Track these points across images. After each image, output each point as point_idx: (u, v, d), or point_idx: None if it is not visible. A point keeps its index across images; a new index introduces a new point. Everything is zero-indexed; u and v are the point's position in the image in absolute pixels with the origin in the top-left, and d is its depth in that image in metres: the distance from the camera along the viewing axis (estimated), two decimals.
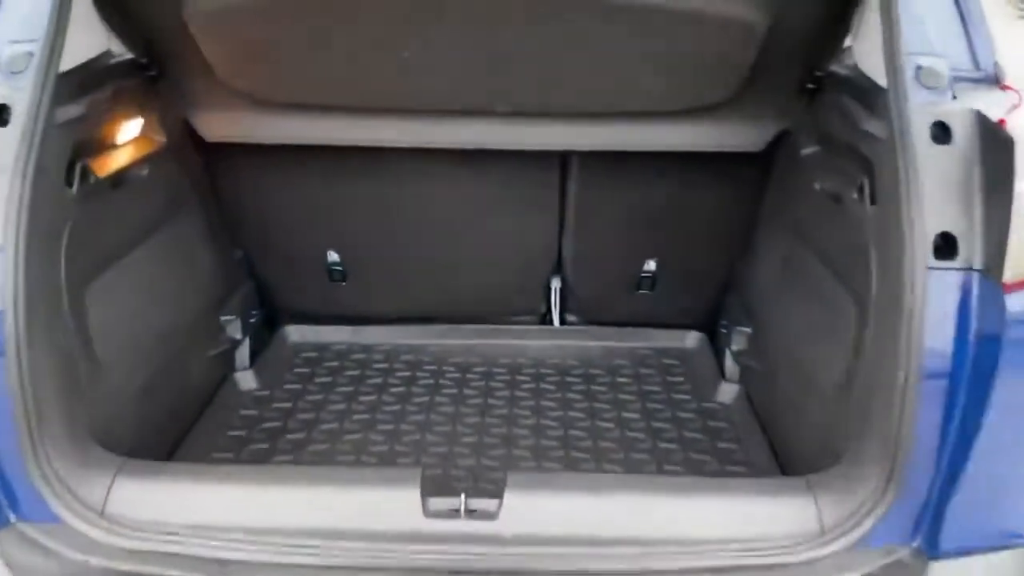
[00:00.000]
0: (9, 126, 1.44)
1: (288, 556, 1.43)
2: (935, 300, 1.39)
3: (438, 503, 1.51)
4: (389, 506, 1.48)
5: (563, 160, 2.33)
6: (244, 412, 2.26)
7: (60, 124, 1.52)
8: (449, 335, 2.67)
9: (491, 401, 2.37)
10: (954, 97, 1.49)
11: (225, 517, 1.49)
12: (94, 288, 1.68)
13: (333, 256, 2.57)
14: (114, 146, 1.78)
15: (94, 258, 1.67)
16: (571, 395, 2.41)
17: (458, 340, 2.66)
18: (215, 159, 2.29)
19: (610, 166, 2.28)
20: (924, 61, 1.50)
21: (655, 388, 2.45)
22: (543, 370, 2.54)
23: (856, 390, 1.60)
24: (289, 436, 2.13)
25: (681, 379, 2.50)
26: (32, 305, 1.43)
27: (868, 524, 1.41)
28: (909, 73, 1.47)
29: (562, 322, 2.75)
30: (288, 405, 2.31)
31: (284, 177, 2.35)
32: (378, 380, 2.47)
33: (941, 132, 1.43)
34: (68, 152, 1.56)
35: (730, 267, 2.54)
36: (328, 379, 2.47)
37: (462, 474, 1.94)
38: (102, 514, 1.49)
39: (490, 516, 1.46)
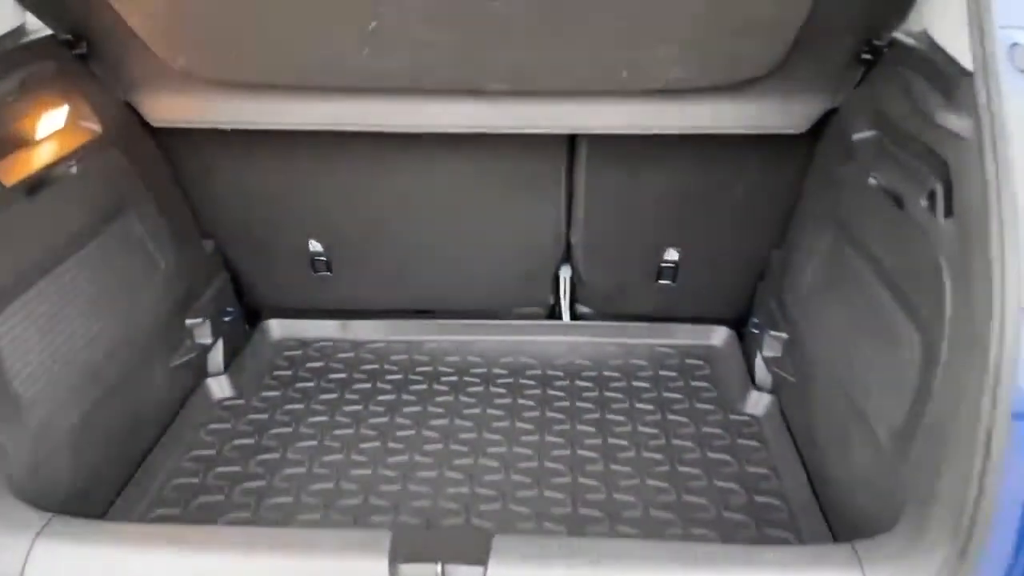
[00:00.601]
0: None
1: None
2: None
3: (410, 572, 1.28)
4: None
5: (571, 140, 2.02)
6: (213, 426, 2.03)
7: None
8: (446, 331, 2.40)
9: (490, 411, 2.12)
10: None
11: None
12: (7, 315, 1.43)
13: (315, 246, 2.30)
14: (28, 144, 1.50)
15: (3, 282, 1.41)
16: (581, 404, 2.14)
17: (456, 336, 2.39)
18: (173, 143, 2.01)
19: (623, 145, 1.96)
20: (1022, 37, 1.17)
21: (677, 395, 2.17)
22: (550, 372, 2.28)
23: (920, 440, 1.31)
24: (256, 467, 1.89)
25: (706, 384, 2.22)
26: None
27: None
28: (1002, 52, 1.13)
29: (573, 316, 2.47)
30: (263, 417, 2.08)
31: (255, 161, 2.07)
32: (366, 385, 2.22)
33: None
34: None
35: (763, 257, 2.23)
36: (311, 383, 2.23)
37: (443, 533, 1.69)
38: None
39: None
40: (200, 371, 2.16)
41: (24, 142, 1.51)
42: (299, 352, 2.37)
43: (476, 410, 2.12)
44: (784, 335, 2.03)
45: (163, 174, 1.98)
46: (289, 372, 2.28)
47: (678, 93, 1.73)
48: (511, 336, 2.39)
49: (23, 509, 1.36)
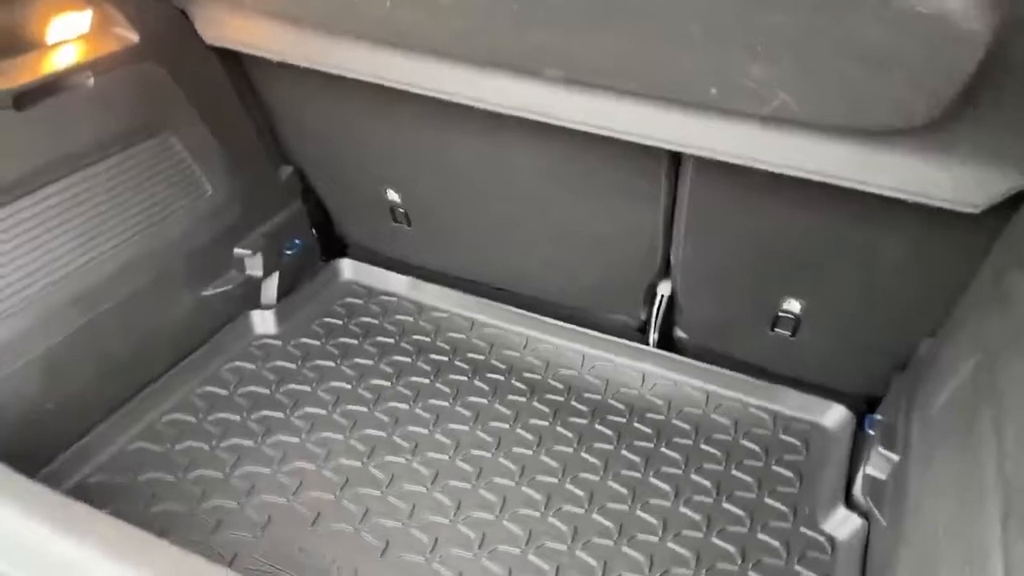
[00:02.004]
0: None
1: None
2: None
3: None
4: None
5: (674, 154, 1.59)
6: (238, 363, 1.94)
7: None
8: (513, 320, 2.12)
9: (519, 431, 1.84)
10: None
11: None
12: None
13: (393, 195, 2.08)
14: (21, 50, 1.38)
15: None
16: (626, 453, 1.80)
17: (521, 329, 2.10)
18: (252, 65, 1.84)
19: (737, 175, 1.50)
20: None
21: (747, 477, 1.75)
22: (611, 401, 1.93)
23: None
24: (253, 423, 1.78)
25: (791, 474, 1.76)
26: None
27: None
28: None
29: (667, 340, 2.07)
30: (291, 366, 1.95)
31: (338, 98, 1.85)
32: (406, 359, 2.01)
33: None
34: None
35: (911, 342, 1.69)
36: (354, 340, 2.06)
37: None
38: None
39: None
40: (249, 302, 2.06)
41: (24, 48, 1.39)
42: (360, 302, 2.21)
43: (504, 425, 1.85)
44: (895, 457, 1.53)
45: (224, 98, 1.82)
46: (339, 322, 2.13)
47: (799, 126, 1.25)
48: (580, 346, 2.05)
49: None
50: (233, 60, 1.81)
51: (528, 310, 2.13)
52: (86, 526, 1.21)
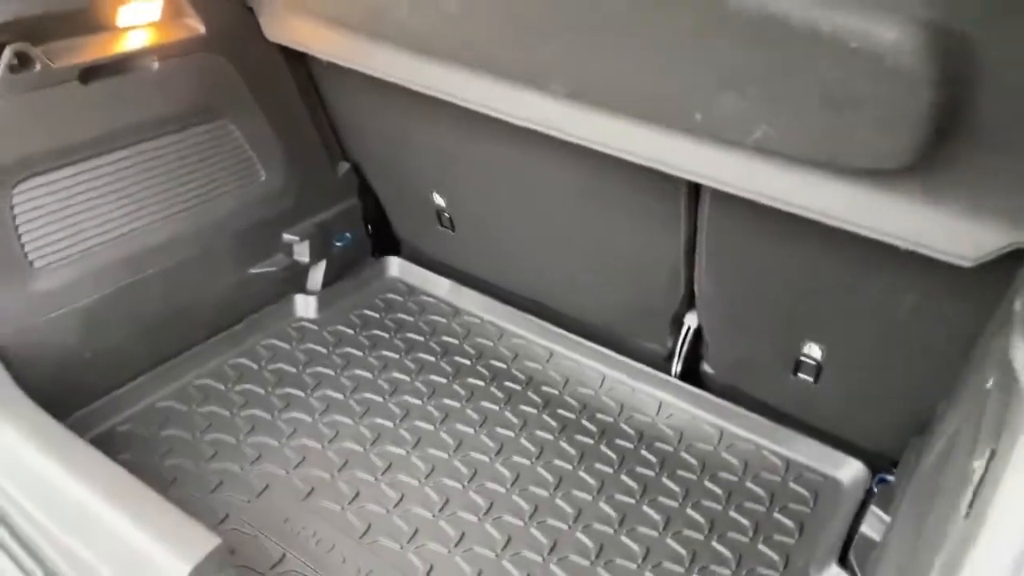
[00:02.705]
0: None
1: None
2: None
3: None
4: None
5: (691, 184, 1.59)
6: (273, 341, 2.06)
7: None
8: (539, 333, 2.15)
9: (523, 441, 1.86)
10: None
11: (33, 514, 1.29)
12: (28, 185, 1.51)
13: (439, 200, 2.15)
14: (93, 31, 1.54)
15: (31, 155, 1.49)
16: (624, 478, 1.78)
17: (546, 343, 2.12)
18: (317, 64, 1.96)
19: (757, 212, 1.48)
20: None
21: (745, 520, 1.70)
22: (622, 425, 1.92)
23: None
24: (276, 399, 1.88)
25: (792, 523, 1.70)
26: None
27: None
28: None
29: (691, 375, 2.04)
30: (321, 350, 2.05)
31: (390, 100, 1.94)
32: (429, 358, 2.07)
33: None
34: None
35: (929, 403, 1.60)
36: (384, 334, 2.14)
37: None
38: None
39: None
40: (295, 286, 2.18)
41: (96, 30, 1.55)
42: (400, 298, 2.29)
43: (509, 432, 1.87)
44: (888, 518, 1.46)
45: (284, 91, 1.95)
46: (376, 315, 2.22)
47: (787, 159, 1.23)
48: (602, 367, 2.06)
49: None
50: (298, 58, 1.94)
51: (559, 325, 2.16)
52: (96, 471, 1.33)
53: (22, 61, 1.42)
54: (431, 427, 1.87)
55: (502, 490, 1.73)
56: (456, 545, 1.61)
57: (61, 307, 1.61)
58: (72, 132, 1.55)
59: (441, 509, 1.68)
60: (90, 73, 1.55)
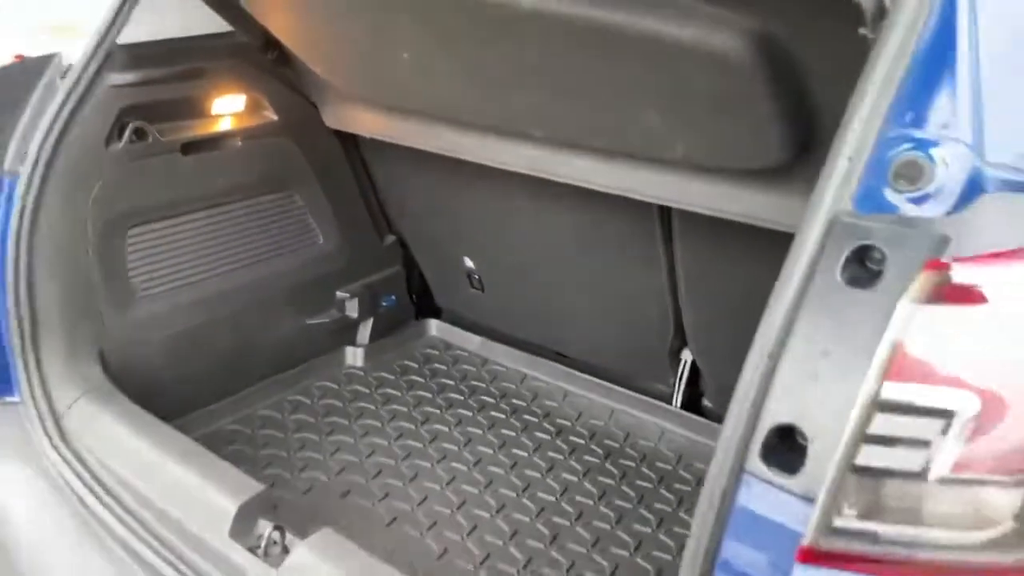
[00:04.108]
0: (63, 82, 1.74)
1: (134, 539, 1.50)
2: None
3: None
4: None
5: (663, 213, 1.90)
6: (326, 383, 2.38)
7: (110, 87, 1.78)
8: (558, 377, 2.42)
9: (536, 459, 2.10)
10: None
11: (124, 475, 1.62)
12: (144, 230, 1.94)
13: (469, 263, 2.51)
14: (193, 116, 2.00)
15: (141, 208, 1.92)
16: (626, 489, 2.00)
17: (563, 384, 2.40)
18: (367, 147, 2.41)
19: (719, 230, 1.77)
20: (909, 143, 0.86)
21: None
22: (627, 449, 2.15)
23: None
24: (313, 434, 2.18)
25: None
26: (42, 226, 1.72)
27: None
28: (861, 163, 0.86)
29: (691, 405, 2.27)
30: (364, 391, 2.37)
31: (425, 175, 2.36)
32: (458, 397, 2.37)
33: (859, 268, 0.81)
34: (113, 112, 1.81)
35: None
36: (420, 379, 2.45)
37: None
38: (58, 425, 1.74)
39: None
40: (346, 339, 2.53)
41: (196, 115, 2.01)
42: (436, 352, 2.61)
43: (524, 453, 2.13)
44: None
45: (340, 170, 2.38)
46: (415, 365, 2.53)
47: (712, 170, 1.54)
48: (611, 402, 2.31)
49: (98, 372, 1.85)
50: (351, 141, 2.38)
51: (576, 369, 2.43)
52: (172, 444, 1.65)
53: (139, 135, 1.88)
54: (455, 448, 2.14)
55: (513, 495, 1.97)
56: (468, 535, 1.84)
57: (152, 332, 1.98)
58: (173, 192, 1.99)
59: (458, 508, 1.92)
60: (189, 147, 2.00)
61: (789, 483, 0.76)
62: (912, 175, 0.83)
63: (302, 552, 1.37)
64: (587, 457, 2.11)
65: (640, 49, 1.29)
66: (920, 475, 0.69)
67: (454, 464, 2.07)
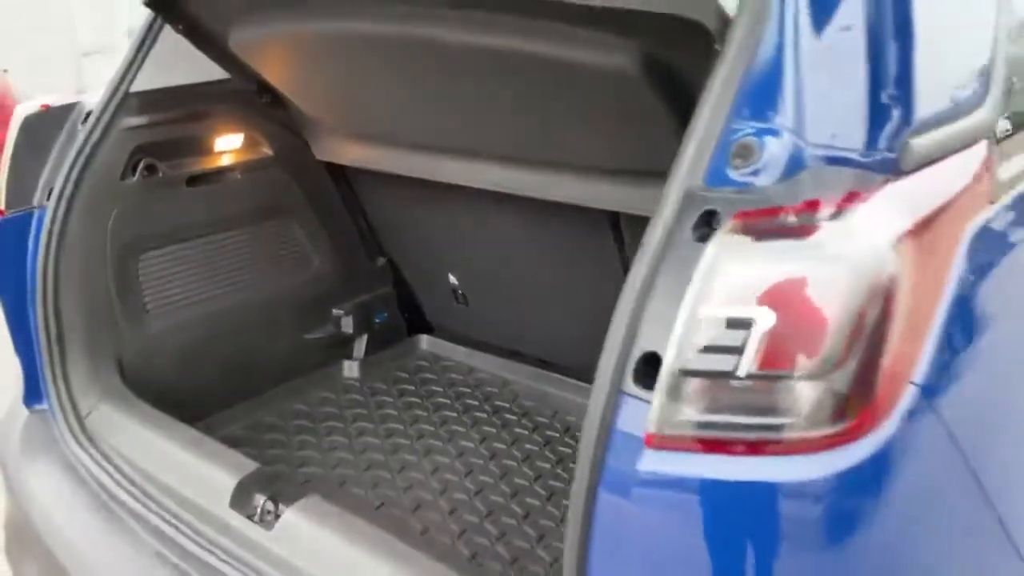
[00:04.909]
0: (83, 126, 2.01)
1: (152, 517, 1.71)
2: None
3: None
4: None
5: (613, 219, 2.13)
6: (325, 394, 2.60)
7: (124, 129, 2.04)
8: (539, 381, 2.63)
9: (514, 451, 2.30)
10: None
11: (138, 462, 1.85)
12: (155, 254, 2.19)
13: (454, 280, 2.74)
14: (197, 152, 2.27)
15: (152, 235, 2.18)
16: (574, 464, 2.20)
17: (543, 386, 2.60)
18: (360, 175, 2.66)
19: None
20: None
21: None
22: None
23: None
24: (307, 435, 2.39)
25: None
26: (66, 252, 1.97)
27: None
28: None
29: None
30: (359, 398, 2.59)
31: (407, 200, 2.60)
32: (444, 401, 2.58)
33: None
34: (127, 151, 2.07)
35: None
36: (410, 387, 2.67)
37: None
38: (82, 427, 1.97)
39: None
40: (343, 353, 2.75)
41: (200, 151, 2.28)
42: (426, 363, 2.83)
43: (502, 446, 2.33)
44: None
45: (330, 198, 2.63)
46: (406, 375, 2.75)
47: (638, 173, 1.77)
48: (585, 400, 2.50)
49: (117, 380, 2.08)
50: (342, 172, 2.63)
51: (556, 373, 2.63)
52: (182, 436, 1.88)
53: (150, 170, 2.14)
54: (439, 443, 2.34)
55: (490, 480, 2.17)
56: (449, 514, 2.04)
57: (164, 345, 2.22)
58: (181, 219, 2.24)
59: (441, 493, 2.12)
60: (194, 180, 2.26)
61: (649, 395, 0.97)
62: (746, 155, 1.05)
63: (291, 515, 1.58)
64: (560, 448, 2.31)
65: (553, 72, 1.54)
66: (733, 374, 0.90)
67: (438, 457, 2.28)
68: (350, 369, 2.74)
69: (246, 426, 2.41)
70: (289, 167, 2.48)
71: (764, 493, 0.89)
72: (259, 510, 1.64)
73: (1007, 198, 1.24)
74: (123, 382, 2.08)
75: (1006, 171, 1.30)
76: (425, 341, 2.95)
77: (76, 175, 1.97)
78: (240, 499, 1.65)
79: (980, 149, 1.20)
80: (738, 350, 0.90)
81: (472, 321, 2.82)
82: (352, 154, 2.43)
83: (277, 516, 1.62)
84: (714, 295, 0.92)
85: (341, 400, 2.58)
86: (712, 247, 0.93)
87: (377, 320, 2.83)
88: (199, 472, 1.74)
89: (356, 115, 2.21)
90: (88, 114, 2.03)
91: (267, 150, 2.43)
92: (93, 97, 2.07)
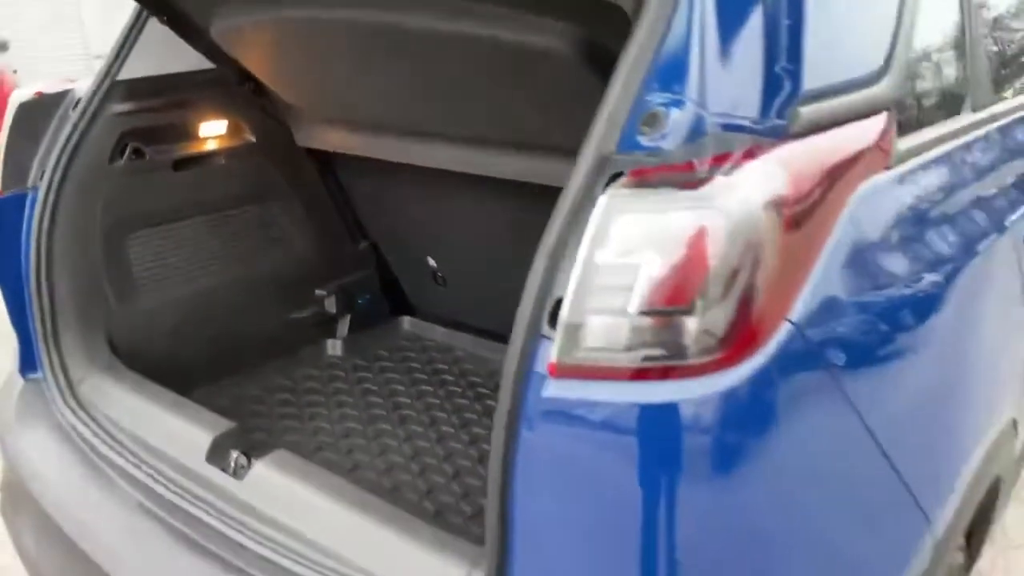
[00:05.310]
0: (73, 112, 2.14)
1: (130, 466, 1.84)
2: None
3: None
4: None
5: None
6: (309, 371, 2.73)
7: (111, 115, 2.17)
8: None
9: (486, 420, 2.42)
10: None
11: (124, 424, 1.98)
12: (143, 233, 2.32)
13: (432, 263, 2.86)
14: (182, 138, 2.39)
15: (140, 215, 2.30)
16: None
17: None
18: (342, 161, 2.79)
19: None
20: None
21: None
22: None
23: None
24: (288, 407, 2.52)
25: None
26: (58, 230, 2.10)
27: None
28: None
29: None
30: (339, 373, 2.71)
31: (386, 184, 2.73)
32: (421, 376, 2.70)
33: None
34: (115, 136, 2.20)
35: None
36: (390, 364, 2.79)
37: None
38: (73, 393, 2.10)
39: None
40: (327, 332, 2.88)
41: (186, 137, 2.41)
42: (407, 343, 2.96)
43: (474, 416, 2.45)
44: None
45: (313, 183, 2.75)
46: (387, 353, 2.87)
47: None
48: None
49: (107, 352, 2.21)
50: (324, 158, 2.75)
51: None
52: (168, 399, 2.01)
53: (137, 154, 2.26)
54: (414, 413, 2.46)
55: (460, 447, 2.28)
56: (418, 475, 2.16)
57: (152, 321, 2.35)
58: (167, 201, 2.37)
59: (412, 458, 2.24)
60: (179, 164, 2.39)
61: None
62: (653, 123, 1.16)
63: (261, 467, 1.71)
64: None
65: (503, 55, 1.66)
66: (623, 311, 1.02)
67: (413, 427, 2.40)
68: (333, 348, 2.86)
69: (231, 398, 2.53)
70: (272, 153, 2.61)
71: (650, 414, 1.01)
72: (233, 464, 1.76)
73: (905, 166, 1.35)
74: (113, 354, 2.21)
75: (912, 141, 1.42)
76: (407, 322, 3.07)
77: (66, 158, 2.10)
78: (216, 454, 1.78)
79: (879, 120, 1.31)
80: (628, 289, 1.02)
81: (451, 302, 2.94)
82: (331, 140, 2.55)
83: (249, 469, 1.74)
84: (608, 242, 1.03)
85: (323, 376, 2.71)
86: (604, 198, 1.05)
87: (360, 301, 2.96)
88: (180, 431, 1.87)
89: (327, 101, 2.33)
90: (79, 101, 2.16)
91: (250, 136, 2.56)
92: (85, 85, 2.20)
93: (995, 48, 2.02)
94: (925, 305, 1.29)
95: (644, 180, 1.06)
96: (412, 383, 2.66)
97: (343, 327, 2.91)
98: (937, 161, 1.45)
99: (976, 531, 1.89)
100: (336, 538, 1.54)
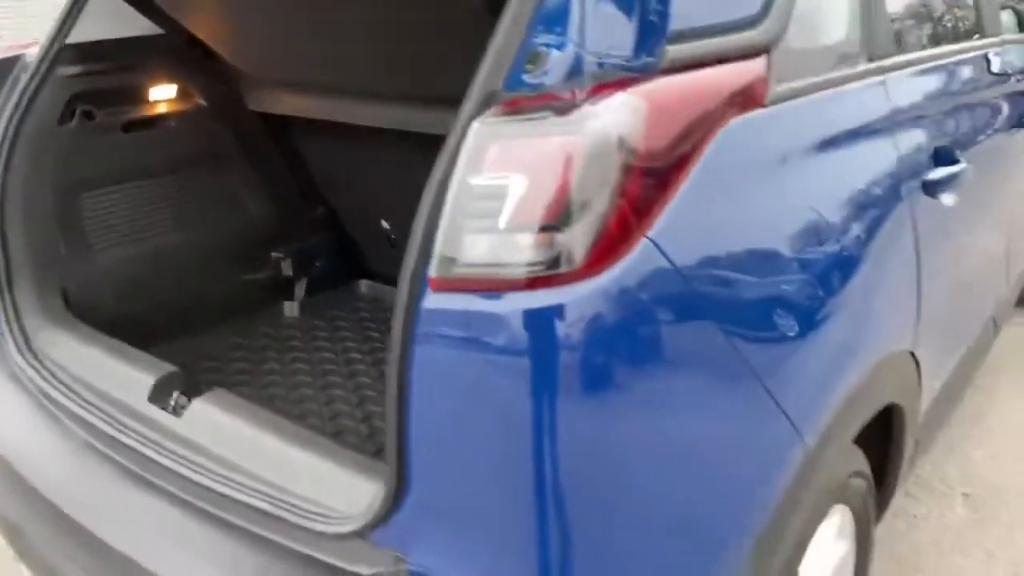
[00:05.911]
0: (24, 75, 2.22)
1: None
2: None
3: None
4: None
5: None
6: (265, 329, 2.82)
7: (61, 78, 2.25)
8: None
9: None
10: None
11: (74, 371, 2.07)
12: (96, 194, 2.41)
13: (385, 225, 2.96)
14: (133, 101, 2.48)
15: (92, 176, 2.39)
16: None
17: None
18: (296, 125, 2.87)
19: None
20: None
21: None
22: None
23: None
24: (242, 363, 2.62)
25: None
26: (10, 189, 2.18)
27: None
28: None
29: None
30: (295, 333, 2.81)
31: (337, 148, 2.81)
32: (374, 334, 2.80)
33: None
34: (64, 98, 2.28)
35: None
36: (344, 323, 2.89)
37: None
38: (28, 344, 2.19)
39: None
40: (284, 295, 2.98)
41: (135, 100, 2.49)
42: (363, 304, 3.06)
43: None
44: None
45: (266, 147, 2.84)
46: (342, 313, 2.98)
47: None
48: None
49: (60, 306, 2.30)
50: (279, 122, 2.84)
51: None
52: (119, 349, 2.10)
53: (88, 116, 2.35)
54: (365, 367, 2.57)
55: None
56: (361, 422, 2.26)
57: (106, 278, 2.44)
58: (118, 163, 2.46)
59: (357, 405, 2.34)
60: (129, 126, 2.47)
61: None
62: (536, 61, 1.26)
63: (199, 404, 1.81)
64: None
65: (421, 8, 1.75)
66: (494, 228, 1.12)
67: (362, 379, 2.50)
68: (291, 309, 2.96)
69: (186, 355, 2.63)
70: (222, 117, 2.69)
71: (517, 321, 1.11)
72: (173, 403, 1.86)
73: (782, 107, 1.45)
74: (68, 310, 2.30)
75: (794, 85, 1.51)
76: (364, 285, 3.17)
77: (17, 120, 2.18)
78: (157, 394, 1.87)
79: (756, 62, 1.41)
80: (498, 208, 1.12)
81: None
82: (280, 103, 2.64)
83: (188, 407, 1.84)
84: (481, 165, 1.13)
85: (279, 335, 2.80)
86: (477, 124, 1.15)
87: (317, 265, 3.05)
88: (125, 375, 1.97)
89: (265, 61, 2.42)
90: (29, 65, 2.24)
91: (200, 100, 2.64)
92: (36, 51, 2.28)
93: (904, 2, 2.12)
94: (787, 230, 1.39)
95: (515, 109, 1.16)
96: (365, 340, 2.76)
97: (300, 290, 3.00)
98: (817, 104, 1.54)
99: (886, 467, 2.00)
100: (266, 465, 1.64)
